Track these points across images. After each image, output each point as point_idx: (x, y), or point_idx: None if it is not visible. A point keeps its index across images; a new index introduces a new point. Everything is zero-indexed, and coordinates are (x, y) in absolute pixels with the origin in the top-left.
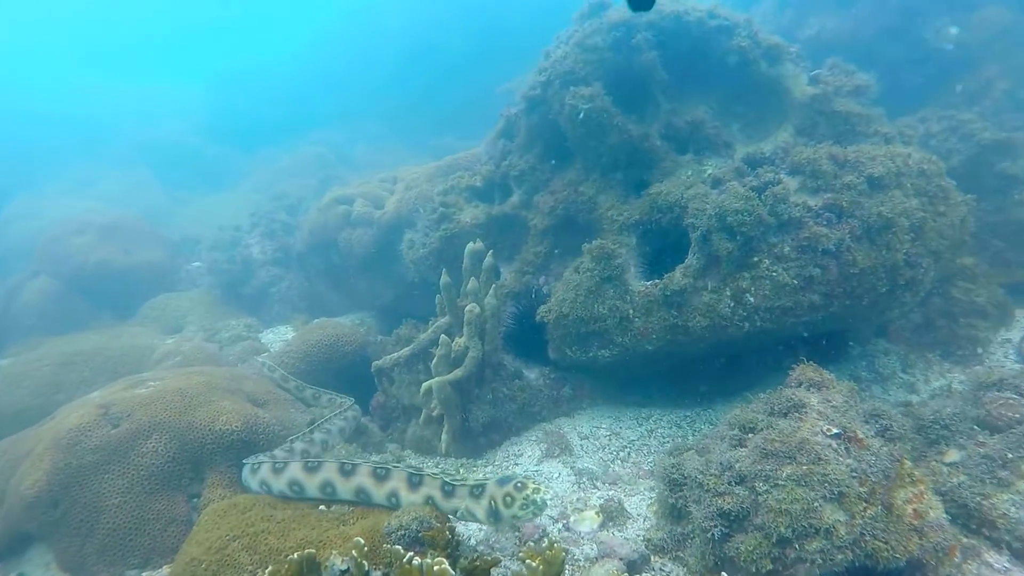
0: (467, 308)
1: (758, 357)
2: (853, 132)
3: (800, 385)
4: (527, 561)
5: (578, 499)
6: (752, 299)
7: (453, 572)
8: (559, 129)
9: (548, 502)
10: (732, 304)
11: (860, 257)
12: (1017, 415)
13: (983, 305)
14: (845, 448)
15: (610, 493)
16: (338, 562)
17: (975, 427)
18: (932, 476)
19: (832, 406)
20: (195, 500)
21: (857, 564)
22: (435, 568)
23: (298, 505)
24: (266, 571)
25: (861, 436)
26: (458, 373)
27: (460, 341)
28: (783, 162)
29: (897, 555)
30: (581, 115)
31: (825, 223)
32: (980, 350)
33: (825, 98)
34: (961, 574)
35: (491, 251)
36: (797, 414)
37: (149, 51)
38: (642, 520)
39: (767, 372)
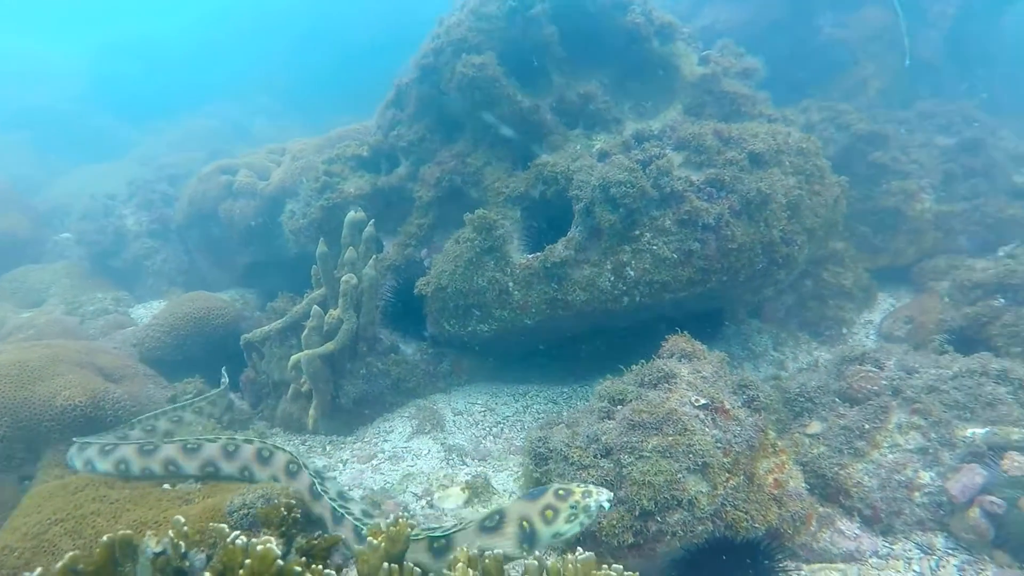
0: (343, 279)
1: (638, 335)
2: (739, 113)
3: (672, 356)
4: (369, 538)
5: (445, 476)
6: (632, 273)
7: (279, 552)
8: (450, 99)
9: (606, 505)
10: (612, 278)
11: (739, 232)
12: (875, 387)
13: (850, 288)
14: (712, 419)
15: (479, 469)
16: (152, 544)
17: (837, 400)
18: (794, 447)
19: (702, 377)
20: (27, 482)
21: (718, 535)
22: (259, 548)
23: (139, 485)
24: (66, 556)
25: (728, 407)
26: (330, 346)
27: (334, 313)
28: (669, 139)
29: (756, 525)
30: (468, 81)
31: (706, 198)
32: (845, 330)
33: (714, 78)
34: (816, 542)
35: (372, 221)
36: (667, 385)
37: (33, 10)
38: (508, 496)
39: (648, 351)
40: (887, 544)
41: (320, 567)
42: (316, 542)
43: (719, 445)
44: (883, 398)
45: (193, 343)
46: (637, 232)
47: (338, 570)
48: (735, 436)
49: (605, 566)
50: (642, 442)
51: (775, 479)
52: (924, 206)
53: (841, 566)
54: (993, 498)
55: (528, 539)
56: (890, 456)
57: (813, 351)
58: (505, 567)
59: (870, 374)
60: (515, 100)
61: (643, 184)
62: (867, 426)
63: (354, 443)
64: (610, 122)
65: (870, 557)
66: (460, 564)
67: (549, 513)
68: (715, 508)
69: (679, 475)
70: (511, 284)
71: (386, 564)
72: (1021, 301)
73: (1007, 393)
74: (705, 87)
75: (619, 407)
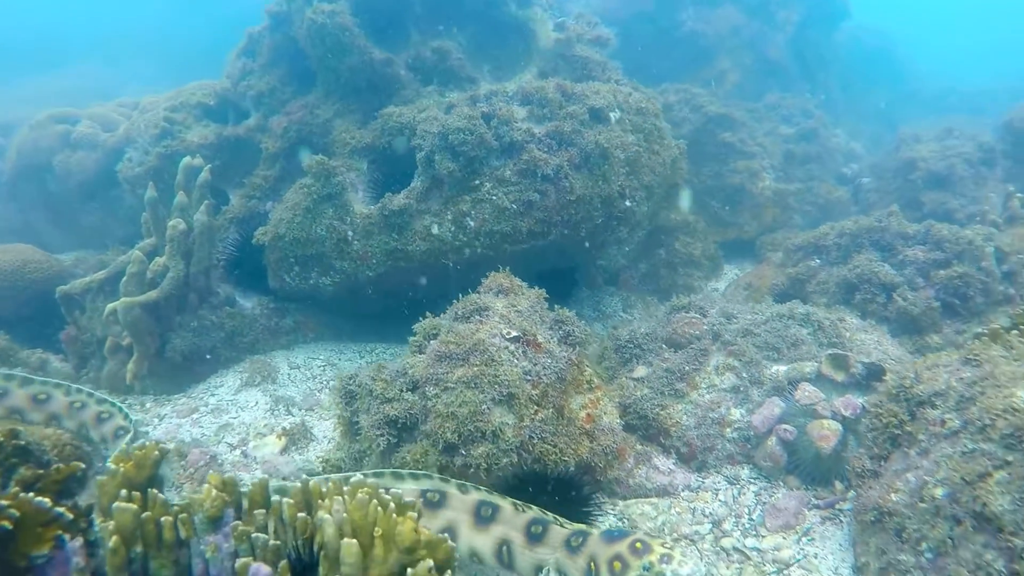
0: (170, 224)
1: None
2: (589, 77)
3: (489, 291)
4: (112, 465)
5: (265, 425)
6: (472, 223)
7: None
8: (302, 49)
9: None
10: (453, 228)
11: (578, 184)
12: (697, 332)
13: (698, 258)
14: (523, 351)
15: (304, 419)
16: None
17: (663, 345)
18: (620, 391)
19: (516, 311)
20: None
21: (526, 469)
22: None
23: None
24: None
25: (541, 340)
26: (152, 295)
27: (160, 261)
28: (517, 97)
29: (566, 458)
30: (318, 28)
31: (546, 149)
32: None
33: (568, 43)
34: (632, 478)
35: (208, 167)
36: (479, 317)
37: None
38: (327, 442)
39: None
40: (700, 478)
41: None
42: (46, 473)
43: (528, 377)
44: (703, 342)
45: (5, 300)
46: (477, 182)
47: None
48: (545, 369)
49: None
50: (448, 373)
51: (588, 414)
52: (765, 184)
53: (654, 500)
54: (787, 426)
55: None
56: (707, 396)
57: (659, 313)
58: None
59: (693, 320)
60: (367, 51)
61: (483, 133)
62: (688, 368)
63: (179, 399)
64: (464, 80)
65: (683, 491)
66: None
67: (617, 565)
68: (521, 440)
69: (484, 406)
70: (351, 233)
71: (124, 491)
72: (832, 261)
73: (808, 334)
74: (559, 51)
75: (431, 341)
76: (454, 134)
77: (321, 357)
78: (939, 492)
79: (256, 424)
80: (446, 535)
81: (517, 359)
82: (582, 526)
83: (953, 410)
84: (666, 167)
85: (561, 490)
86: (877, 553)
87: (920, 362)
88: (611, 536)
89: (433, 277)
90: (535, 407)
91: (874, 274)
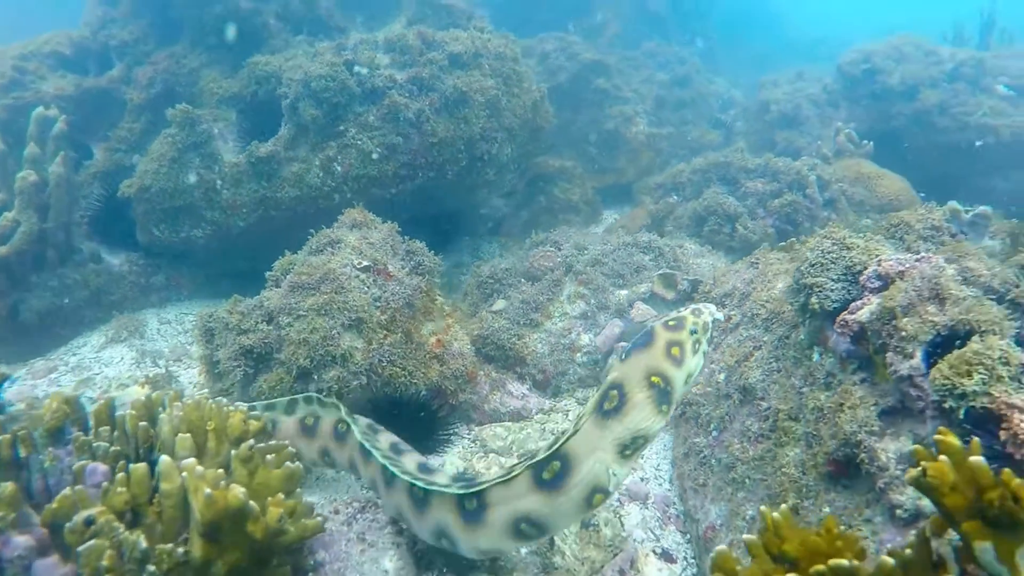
0: (19, 176)
1: None
2: (455, 25)
3: (344, 226)
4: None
5: (129, 376)
6: (340, 168)
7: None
8: None
9: (720, 317)
10: (321, 174)
11: (440, 128)
12: (551, 264)
13: (577, 203)
14: (373, 280)
15: (169, 368)
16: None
17: (522, 279)
18: (480, 323)
19: (369, 243)
20: None
21: (377, 392)
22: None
23: None
24: None
25: (392, 270)
26: (2, 250)
27: (10, 216)
28: (381, 45)
29: (415, 381)
30: None
31: (408, 94)
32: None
33: None
34: (487, 403)
35: (64, 118)
36: (331, 250)
37: None
38: (192, 387)
39: None
40: (553, 402)
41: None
42: None
43: (377, 304)
44: (557, 273)
45: None
46: (342, 127)
47: None
48: (394, 295)
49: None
50: (300, 302)
51: (438, 339)
52: (639, 128)
53: (508, 423)
54: (623, 344)
55: (665, 397)
56: (559, 324)
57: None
58: None
59: (548, 253)
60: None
61: (344, 79)
62: (542, 299)
63: (36, 363)
64: (334, 30)
65: (536, 414)
66: None
67: (676, 351)
68: (370, 363)
69: (334, 331)
70: (219, 183)
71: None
72: (688, 197)
73: (650, 260)
74: (426, 0)
75: (288, 276)
76: (316, 81)
77: (195, 313)
78: (721, 377)
79: (120, 377)
80: (270, 424)
81: (368, 287)
82: (601, 386)
83: (736, 307)
84: (527, 110)
85: (415, 413)
86: (682, 440)
87: (719, 270)
88: (641, 342)
89: (308, 225)
90: (384, 331)
91: (719, 206)
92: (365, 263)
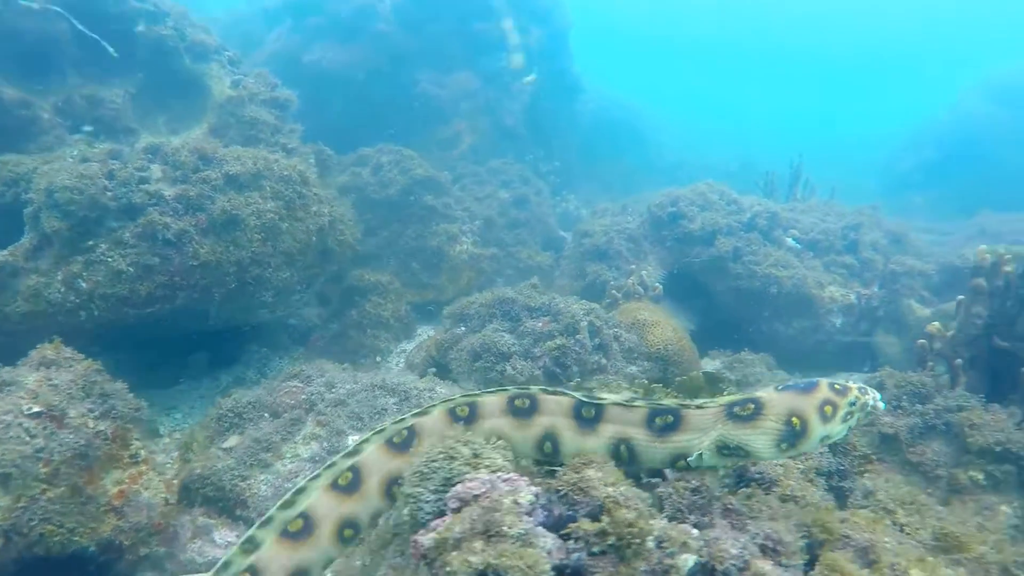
0: None
1: (138, 355)
2: (257, 138)
3: (31, 364)
4: None
5: None
6: (85, 285)
7: None
8: None
9: (882, 405)
10: (63, 289)
11: (204, 250)
12: (294, 401)
13: (388, 319)
14: (42, 428)
15: None
16: None
17: (266, 415)
18: (206, 461)
19: (51, 384)
20: None
21: (24, 553)
22: None
23: None
24: None
25: (72, 415)
26: None
27: None
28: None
29: (77, 537)
30: None
31: (172, 213)
32: (379, 358)
33: (240, 102)
34: (184, 552)
35: None
36: (1, 393)
37: None
38: None
39: (158, 371)
40: None
41: None
42: None
43: (40, 455)
44: (298, 411)
45: None
46: (91, 242)
47: None
48: (62, 445)
49: None
50: None
51: (121, 490)
52: (463, 247)
53: (203, 574)
54: None
55: (791, 439)
56: (289, 466)
57: (354, 372)
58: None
59: (294, 389)
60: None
61: (93, 192)
62: (277, 438)
63: None
64: (120, 131)
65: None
66: None
67: (828, 409)
68: (12, 523)
69: None
70: None
71: None
72: (473, 329)
73: (394, 403)
74: (230, 109)
75: None
76: (61, 192)
77: None
78: None
79: None
80: None
81: (31, 436)
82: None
83: None
84: (310, 234)
85: (72, 574)
86: None
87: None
88: (803, 387)
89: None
90: (43, 486)
91: (494, 344)
92: (36, 409)
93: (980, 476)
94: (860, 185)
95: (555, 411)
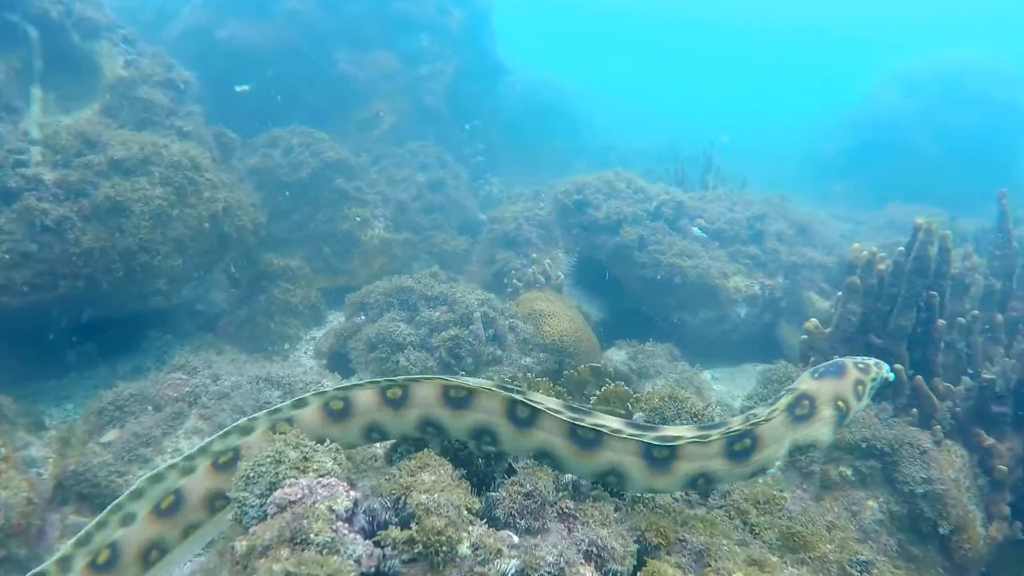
0: None
1: (25, 344)
2: (151, 121)
3: None
4: None
5: None
6: None
7: None
8: None
9: (892, 376)
10: None
11: (87, 237)
12: (177, 394)
13: (296, 305)
14: None
15: None
16: None
17: (150, 407)
18: (82, 457)
19: None
20: None
21: None
22: None
23: None
24: None
25: None
26: None
27: None
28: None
29: None
30: None
31: (51, 199)
32: (287, 345)
33: (132, 83)
34: (52, 552)
35: None
36: None
37: None
38: None
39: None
40: None
41: None
42: None
43: None
44: (181, 404)
45: None
46: None
47: None
48: None
49: None
50: None
51: None
52: (375, 232)
53: None
54: None
55: (841, 420)
56: (170, 461)
57: (243, 363)
58: None
59: (178, 381)
60: None
61: None
62: (158, 432)
63: None
64: (1, 109)
65: None
66: None
67: (860, 388)
68: None
69: None
70: None
71: None
72: (373, 318)
73: (278, 396)
74: (123, 90)
75: None
76: None
77: None
78: None
79: None
80: None
81: None
82: (789, 395)
83: None
84: (203, 220)
85: None
86: None
87: None
88: (834, 371)
89: None
90: None
91: (389, 333)
92: None
93: (849, 472)
94: (787, 170)
95: (552, 429)
